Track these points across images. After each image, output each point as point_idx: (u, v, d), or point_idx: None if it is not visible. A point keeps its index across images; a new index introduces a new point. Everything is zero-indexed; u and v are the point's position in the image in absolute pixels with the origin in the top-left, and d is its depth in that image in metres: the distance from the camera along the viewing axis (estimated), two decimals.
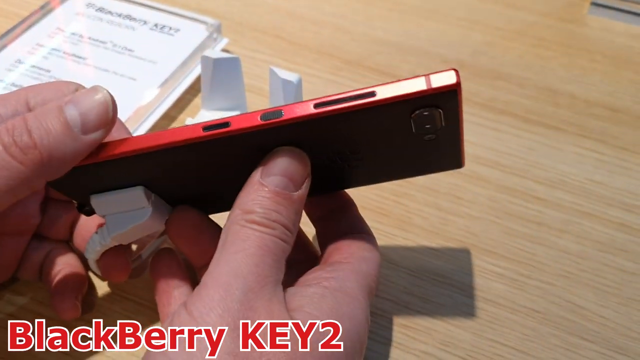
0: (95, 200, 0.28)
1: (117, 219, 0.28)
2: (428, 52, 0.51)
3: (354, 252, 0.28)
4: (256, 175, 0.26)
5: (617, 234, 0.38)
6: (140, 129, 0.41)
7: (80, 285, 0.32)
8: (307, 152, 0.27)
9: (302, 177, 0.26)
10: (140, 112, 0.41)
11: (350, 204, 0.32)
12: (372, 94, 0.24)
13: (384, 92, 0.24)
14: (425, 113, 0.24)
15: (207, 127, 0.25)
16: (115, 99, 0.42)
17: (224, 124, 0.25)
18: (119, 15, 0.48)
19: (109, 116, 0.25)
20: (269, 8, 0.54)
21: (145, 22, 0.48)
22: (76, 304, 0.31)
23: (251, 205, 0.25)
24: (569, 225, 0.38)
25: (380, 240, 0.32)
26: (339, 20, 0.53)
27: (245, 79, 0.46)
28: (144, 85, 0.43)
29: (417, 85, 0.23)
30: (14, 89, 0.42)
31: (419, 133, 0.26)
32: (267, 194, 0.25)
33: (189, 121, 0.41)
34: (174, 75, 0.44)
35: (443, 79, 0.23)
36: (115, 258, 0.31)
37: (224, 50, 0.49)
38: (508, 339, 0.33)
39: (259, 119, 0.25)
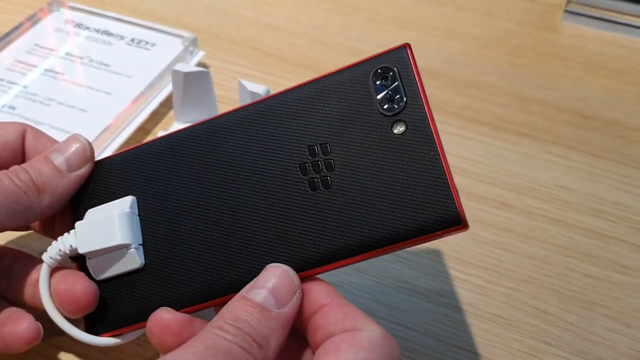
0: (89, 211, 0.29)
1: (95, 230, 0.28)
2: None
3: (342, 355, 0.24)
4: (242, 291, 0.25)
5: (584, 239, 0.38)
6: (115, 142, 0.41)
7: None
8: (283, 142, 0.27)
9: (288, 295, 0.25)
10: (115, 125, 0.42)
11: (334, 296, 0.26)
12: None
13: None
14: (381, 69, 0.27)
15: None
16: (90, 113, 0.44)
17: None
18: (97, 31, 0.49)
19: (87, 155, 0.30)
20: (245, 21, 0.55)
21: (122, 37, 0.49)
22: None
23: (224, 313, 0.25)
24: (535, 231, 0.39)
25: None
26: (315, 31, 0.54)
27: (221, 91, 0.47)
28: (118, 99, 0.43)
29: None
30: None
31: (385, 113, 0.26)
32: (244, 305, 0.25)
33: (161, 134, 0.41)
34: (149, 89, 0.44)
35: (394, 47, 0.27)
36: (77, 278, 0.29)
37: (201, 63, 0.49)
38: (471, 345, 0.33)
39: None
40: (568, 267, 0.37)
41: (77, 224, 0.29)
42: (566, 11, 0.54)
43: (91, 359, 0.32)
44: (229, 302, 0.25)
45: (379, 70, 0.27)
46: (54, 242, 0.29)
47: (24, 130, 0.32)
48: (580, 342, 0.34)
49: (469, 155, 0.43)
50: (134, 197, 0.29)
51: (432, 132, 0.26)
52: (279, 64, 0.51)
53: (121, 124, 0.42)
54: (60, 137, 0.32)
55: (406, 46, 0.27)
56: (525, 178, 0.42)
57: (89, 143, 0.31)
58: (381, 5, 0.57)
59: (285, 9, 0.56)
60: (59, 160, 0.30)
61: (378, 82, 0.27)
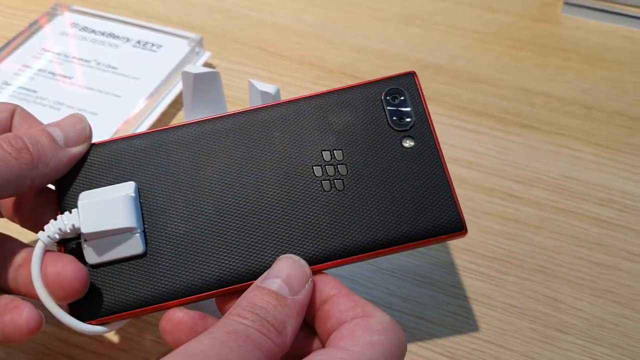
0: (84, 193, 0.28)
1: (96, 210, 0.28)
2: (407, 57, 0.52)
3: (357, 339, 0.25)
4: (257, 281, 0.26)
5: (592, 229, 0.39)
6: None
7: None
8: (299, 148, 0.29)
9: (301, 283, 0.26)
10: (124, 128, 0.42)
11: (341, 287, 0.28)
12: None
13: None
14: (392, 90, 0.31)
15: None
16: (100, 115, 0.44)
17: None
18: (103, 34, 0.49)
19: (86, 134, 0.30)
20: (250, 21, 0.55)
21: (128, 40, 0.49)
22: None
23: (241, 301, 0.25)
24: (545, 221, 0.39)
25: None
26: (319, 30, 0.55)
27: (228, 91, 0.48)
28: (128, 102, 0.44)
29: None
30: None
31: (394, 128, 0.30)
32: (260, 293, 0.26)
33: None
34: (158, 90, 0.45)
35: (402, 73, 0.31)
36: (67, 261, 0.27)
37: (207, 63, 0.50)
38: (487, 334, 0.34)
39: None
40: (578, 256, 0.38)
41: (80, 203, 0.28)
42: (566, 3, 0.55)
43: (113, 358, 0.33)
44: (245, 292, 0.26)
45: (389, 91, 0.31)
46: (52, 221, 0.28)
47: (13, 111, 0.31)
48: (593, 328, 0.34)
49: (476, 148, 0.44)
50: (136, 183, 0.29)
51: (437, 148, 0.30)
52: (284, 63, 0.51)
53: (131, 126, 0.43)
54: None
55: (413, 73, 0.31)
56: (532, 169, 0.43)
57: (89, 123, 0.30)
58: (382, 2, 0.57)
59: (287, 8, 0.57)
60: (56, 133, 0.29)
61: (389, 101, 0.30)
